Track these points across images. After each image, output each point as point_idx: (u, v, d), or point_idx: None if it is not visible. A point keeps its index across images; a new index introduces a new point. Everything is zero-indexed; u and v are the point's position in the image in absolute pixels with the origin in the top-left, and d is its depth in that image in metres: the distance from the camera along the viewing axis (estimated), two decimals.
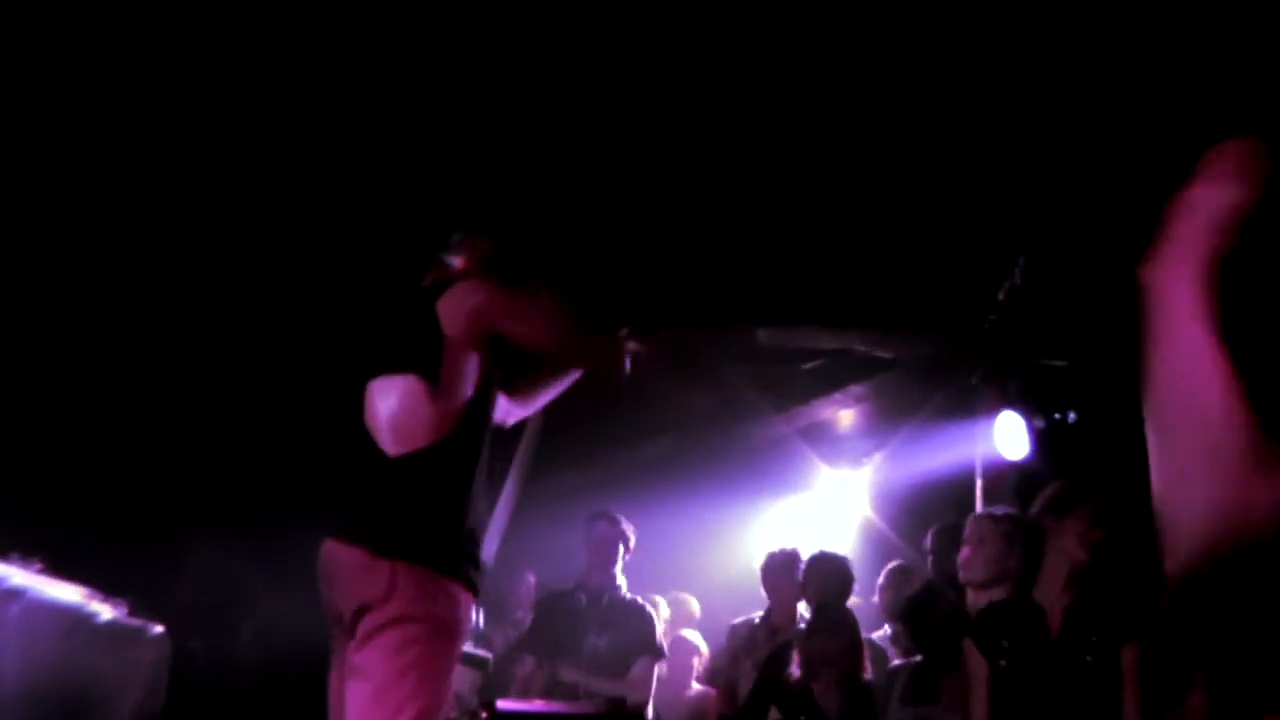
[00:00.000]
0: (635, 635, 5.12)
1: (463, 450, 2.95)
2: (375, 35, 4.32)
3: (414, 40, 4.36)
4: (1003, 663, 3.11)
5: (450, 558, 2.83)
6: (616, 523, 5.30)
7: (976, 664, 3.19)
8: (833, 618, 4.66)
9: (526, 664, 5.08)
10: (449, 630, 2.77)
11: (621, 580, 5.34)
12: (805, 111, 4.69)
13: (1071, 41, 4.16)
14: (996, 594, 3.51)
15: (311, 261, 4.96)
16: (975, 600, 3.74)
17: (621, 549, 5.27)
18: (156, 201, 4.78)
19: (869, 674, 4.56)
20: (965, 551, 3.78)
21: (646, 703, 4.93)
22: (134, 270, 5.00)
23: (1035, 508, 3.56)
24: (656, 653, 5.19)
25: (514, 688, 4.95)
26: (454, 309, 3.00)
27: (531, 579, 6.36)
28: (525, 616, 6.37)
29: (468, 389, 2.98)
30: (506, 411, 3.40)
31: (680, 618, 6.27)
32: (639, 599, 5.33)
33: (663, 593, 6.04)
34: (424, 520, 2.86)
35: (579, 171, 5.06)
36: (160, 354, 5.04)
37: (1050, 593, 3.20)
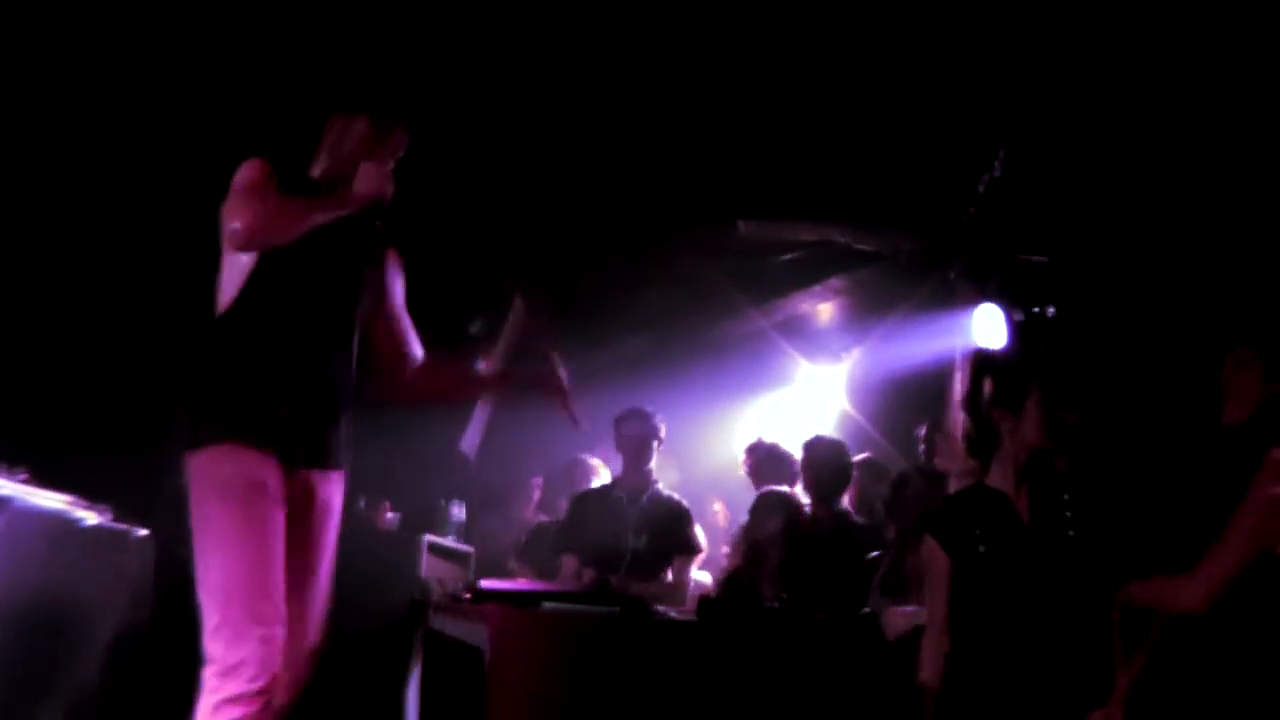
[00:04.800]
0: (673, 535, 5.02)
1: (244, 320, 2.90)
2: None
3: None
4: (981, 549, 3.06)
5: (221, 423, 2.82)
6: (648, 418, 5.14)
7: (938, 558, 3.15)
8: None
9: (568, 564, 4.95)
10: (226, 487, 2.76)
11: (657, 476, 5.21)
12: (786, 5, 4.60)
13: None
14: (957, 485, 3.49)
15: None
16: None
17: (655, 445, 5.14)
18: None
19: None
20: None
21: (684, 603, 4.68)
22: (111, 187, 4.95)
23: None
24: (693, 550, 5.08)
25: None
26: None
27: (539, 482, 6.30)
28: (531, 517, 6.39)
29: (237, 265, 2.90)
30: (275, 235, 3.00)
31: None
32: (674, 495, 5.20)
33: None
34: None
35: (559, 70, 4.97)
36: (138, 260, 5.00)
37: (1008, 481, 3.15)
